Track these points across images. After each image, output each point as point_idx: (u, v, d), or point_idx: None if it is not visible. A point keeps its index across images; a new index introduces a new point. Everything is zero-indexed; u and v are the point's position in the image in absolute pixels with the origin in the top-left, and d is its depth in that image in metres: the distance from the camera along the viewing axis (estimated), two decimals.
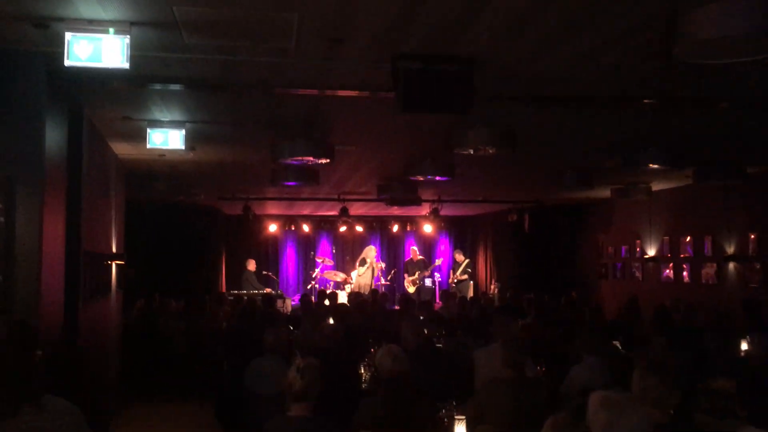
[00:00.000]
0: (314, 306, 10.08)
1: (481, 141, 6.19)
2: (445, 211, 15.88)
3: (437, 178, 8.52)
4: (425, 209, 16.20)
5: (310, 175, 8.85)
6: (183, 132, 6.31)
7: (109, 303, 7.86)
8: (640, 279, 12.51)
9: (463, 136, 6.25)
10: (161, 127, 6.27)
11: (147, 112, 6.15)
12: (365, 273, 15.79)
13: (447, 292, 12.42)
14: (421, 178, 8.54)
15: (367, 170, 9.47)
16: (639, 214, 12.45)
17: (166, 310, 11.38)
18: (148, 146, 6.29)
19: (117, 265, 8.24)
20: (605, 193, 11.89)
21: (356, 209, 14.28)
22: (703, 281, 10.72)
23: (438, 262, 17.31)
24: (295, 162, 7.18)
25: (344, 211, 12.68)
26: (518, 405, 4.34)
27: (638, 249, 12.56)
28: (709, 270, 10.60)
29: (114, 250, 8.06)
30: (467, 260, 16.57)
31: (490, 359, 5.93)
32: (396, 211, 16.70)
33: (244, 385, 5.85)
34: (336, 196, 12.59)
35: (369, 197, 12.73)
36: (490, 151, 6.37)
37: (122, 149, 7.77)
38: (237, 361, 7.08)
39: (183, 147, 6.33)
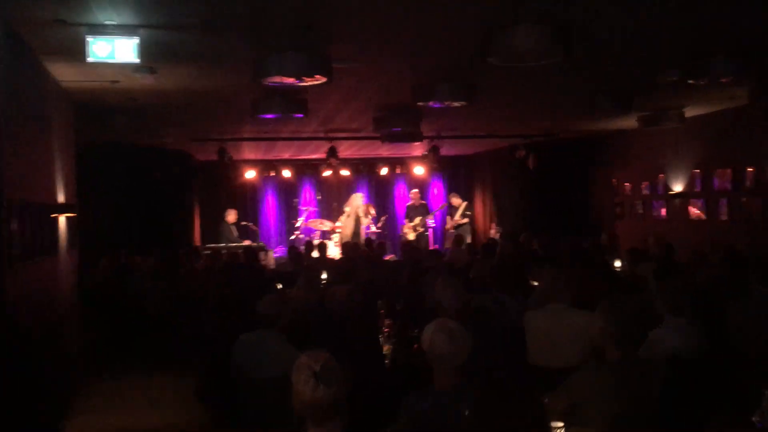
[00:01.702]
0: (308, 261, 8.70)
1: (530, 41, 4.74)
2: (441, 150, 14.44)
3: (453, 103, 7.07)
4: (419, 149, 14.79)
5: (297, 105, 7.36)
6: (136, 41, 4.77)
7: (57, 263, 6.41)
8: (665, 218, 11.27)
9: (507, 36, 4.78)
10: (106, 33, 4.72)
11: (87, 13, 4.60)
12: (346, 222, 14.38)
13: (459, 237, 11.05)
14: (434, 104, 7.08)
15: (365, 98, 7.97)
16: (663, 146, 11.12)
17: (136, 269, 9.93)
18: (89, 59, 4.74)
19: (67, 218, 6.75)
20: (627, 122, 10.54)
21: (343, 151, 12.78)
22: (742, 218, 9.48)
23: (442, 206, 15.97)
24: (283, 82, 5.69)
25: (332, 152, 11.20)
26: (630, 397, 3.04)
27: (661, 185, 11.29)
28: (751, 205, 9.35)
29: (61, 200, 6.56)
30: (465, 203, 15.24)
31: (550, 325, 4.64)
32: (385, 152, 15.25)
33: (233, 363, 4.51)
34: (323, 135, 11.08)
35: (360, 135, 11.26)
36: (539, 57, 4.94)
37: (63, 72, 6.19)
38: (221, 330, 5.79)
39: (137, 60, 4.79)
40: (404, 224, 15.59)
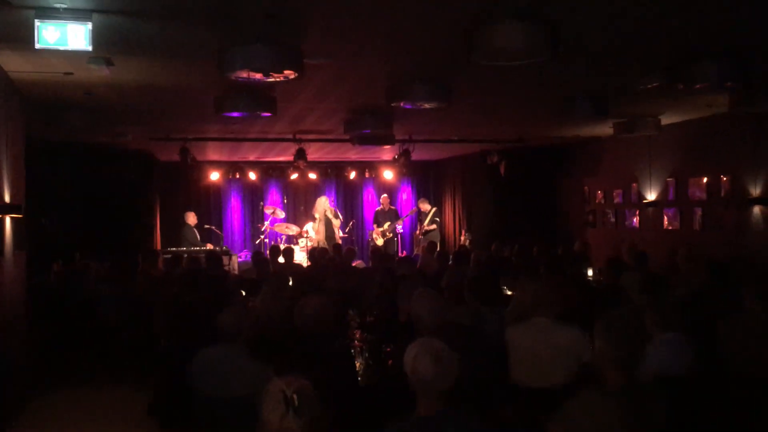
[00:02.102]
0: (274, 267, 8.31)
1: (517, 39, 4.46)
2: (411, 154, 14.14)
3: (427, 105, 6.76)
4: (389, 153, 14.47)
5: (265, 104, 6.98)
6: (88, 26, 4.35)
7: (1, 267, 5.92)
8: (637, 227, 11.13)
9: (493, 33, 4.49)
10: (56, 17, 4.30)
11: None
12: (319, 227, 14.02)
13: (432, 244, 10.74)
14: (407, 105, 6.76)
15: (336, 98, 7.62)
16: (636, 154, 10.99)
17: (89, 273, 9.40)
18: (38, 45, 4.31)
19: (13, 219, 6.27)
20: (602, 129, 10.38)
21: (311, 153, 12.40)
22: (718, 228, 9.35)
23: (412, 212, 15.69)
24: (250, 78, 5.31)
25: (301, 154, 10.81)
26: (639, 428, 2.74)
27: (635, 193, 11.14)
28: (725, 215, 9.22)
29: (7, 200, 6.08)
30: (434, 209, 14.99)
31: (533, 341, 4.34)
32: (354, 155, 14.93)
33: (190, 380, 4.12)
34: (291, 136, 10.69)
35: (330, 137, 10.90)
36: (525, 56, 4.66)
37: (11, 61, 5.72)
38: (178, 343, 5.37)
39: (89, 48, 4.38)
40: (372, 229, 15.30)
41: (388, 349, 4.40)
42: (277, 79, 5.42)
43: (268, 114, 6.98)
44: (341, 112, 8.52)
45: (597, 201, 12.19)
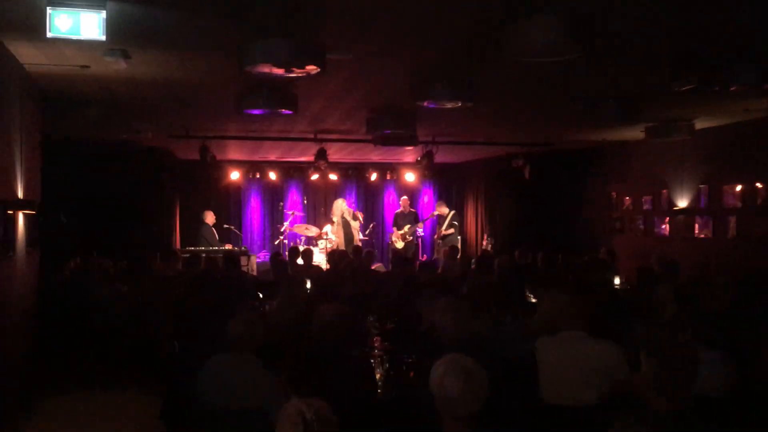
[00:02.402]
0: (293, 269, 8.10)
1: (548, 35, 4.20)
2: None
3: (451, 104, 6.50)
4: (411, 155, 14.24)
5: (286, 101, 6.78)
6: (102, 15, 4.17)
7: (13, 265, 5.77)
8: (667, 235, 10.77)
9: (523, 29, 4.24)
10: (69, 4, 4.12)
11: None
12: (338, 231, 13.82)
13: (454, 249, 10.45)
14: (430, 105, 6.51)
15: (358, 97, 7.39)
16: (667, 159, 10.64)
17: (99, 272, 9.22)
18: (50, 34, 4.14)
19: (27, 216, 6.11)
20: (632, 133, 10.05)
21: (332, 154, 12.20)
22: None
23: (433, 215, 15.41)
24: (271, 73, 5.09)
25: (322, 154, 10.59)
26: None
27: (665, 200, 10.79)
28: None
29: (20, 195, 5.92)
30: (452, 212, 14.69)
31: (564, 356, 4.07)
32: (376, 157, 14.70)
33: (197, 389, 3.90)
34: (312, 136, 10.49)
35: (352, 137, 10.68)
36: (555, 53, 4.40)
37: (25, 53, 5.56)
38: (188, 348, 5.18)
39: (103, 38, 4.19)
40: (392, 232, 15.06)
41: (410, 360, 4.16)
42: (299, 75, 5.20)
43: (289, 111, 6.78)
44: (363, 111, 8.29)
45: (624, 207, 11.84)
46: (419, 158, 11.25)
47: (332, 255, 9.26)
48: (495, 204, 14.37)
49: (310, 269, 9.78)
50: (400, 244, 14.77)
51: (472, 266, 9.41)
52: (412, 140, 9.17)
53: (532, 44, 4.40)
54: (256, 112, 6.87)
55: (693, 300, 4.96)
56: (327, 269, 9.29)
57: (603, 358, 3.94)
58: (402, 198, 15.34)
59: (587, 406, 3.77)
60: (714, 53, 5.57)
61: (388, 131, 8.25)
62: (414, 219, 14.96)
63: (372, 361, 4.28)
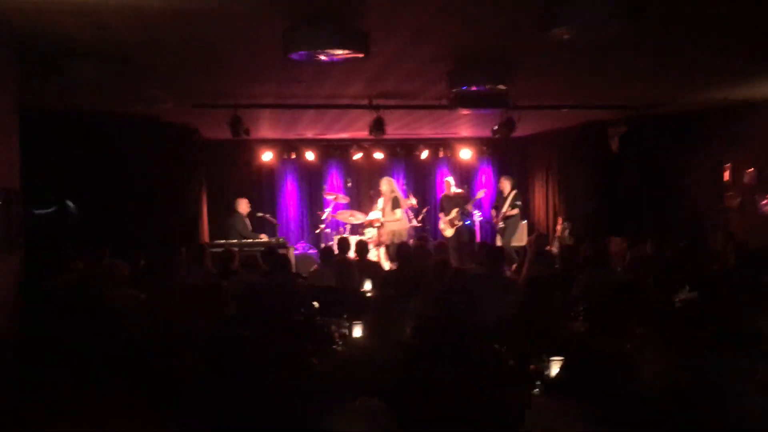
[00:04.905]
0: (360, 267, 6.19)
1: None
2: (485, 130, 11.85)
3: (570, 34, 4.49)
4: (467, 128, 12.30)
5: (354, 38, 4.82)
6: None
7: None
8: None
9: None
10: None
11: None
12: (401, 214, 11.79)
13: (540, 238, 8.44)
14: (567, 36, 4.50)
15: (447, 35, 5.40)
16: None
17: (115, 276, 7.38)
18: None
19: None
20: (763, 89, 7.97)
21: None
22: None
23: (480, 194, 13.41)
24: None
25: (378, 125, 8.59)
26: None
27: None
28: None
29: None
30: (515, 191, 12.67)
31: None
32: (427, 131, 12.75)
33: None
34: (367, 102, 8.50)
35: (415, 103, 8.72)
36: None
37: None
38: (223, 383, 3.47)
39: None
40: (440, 218, 13.13)
41: None
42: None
43: (360, 54, 4.81)
44: (443, 62, 6.30)
45: (746, 182, 9.69)
46: (496, 127, 9.22)
47: (403, 249, 7.18)
48: (573, 182, 12.27)
49: (370, 268, 7.91)
50: (449, 232, 12.84)
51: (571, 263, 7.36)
52: (502, 101, 7.17)
53: None
54: (309, 56, 4.91)
55: None
56: (395, 269, 7.38)
57: None
58: (445, 179, 13.38)
59: None
60: None
61: (478, 88, 6.25)
62: (462, 201, 13.01)
63: None
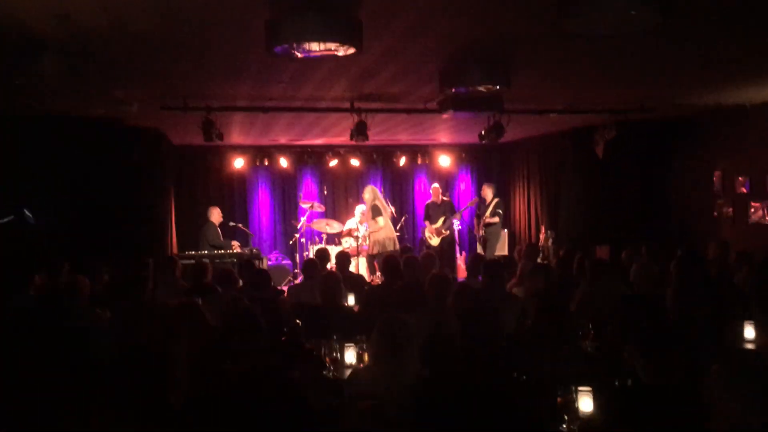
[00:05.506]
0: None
1: None
2: (466, 136, 11.50)
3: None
4: (446, 134, 11.91)
5: (348, 29, 4.34)
6: None
7: None
8: None
9: None
10: None
11: None
12: (385, 221, 11.29)
13: (532, 249, 8.01)
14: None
15: (442, 31, 4.96)
16: None
17: (79, 292, 6.77)
18: None
19: None
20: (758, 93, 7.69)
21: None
22: None
23: (472, 203, 13.05)
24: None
25: (361, 129, 8.11)
26: None
27: None
28: None
29: None
30: (496, 199, 12.33)
31: None
32: (405, 137, 12.32)
33: None
34: (348, 105, 8.02)
35: (399, 106, 8.26)
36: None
37: None
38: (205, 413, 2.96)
39: None
40: (425, 226, 12.69)
41: None
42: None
43: (353, 49, 4.32)
44: (434, 61, 5.85)
45: (737, 191, 9.42)
46: (483, 132, 8.80)
47: (390, 262, 6.63)
48: (557, 190, 11.91)
49: (353, 281, 7.43)
50: (435, 241, 12.44)
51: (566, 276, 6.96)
52: (496, 103, 6.73)
53: None
54: (296, 49, 4.42)
55: None
56: (379, 282, 6.89)
57: None
58: (432, 186, 12.95)
59: None
60: None
61: (473, 88, 5.80)
62: (449, 209, 12.61)
63: None
